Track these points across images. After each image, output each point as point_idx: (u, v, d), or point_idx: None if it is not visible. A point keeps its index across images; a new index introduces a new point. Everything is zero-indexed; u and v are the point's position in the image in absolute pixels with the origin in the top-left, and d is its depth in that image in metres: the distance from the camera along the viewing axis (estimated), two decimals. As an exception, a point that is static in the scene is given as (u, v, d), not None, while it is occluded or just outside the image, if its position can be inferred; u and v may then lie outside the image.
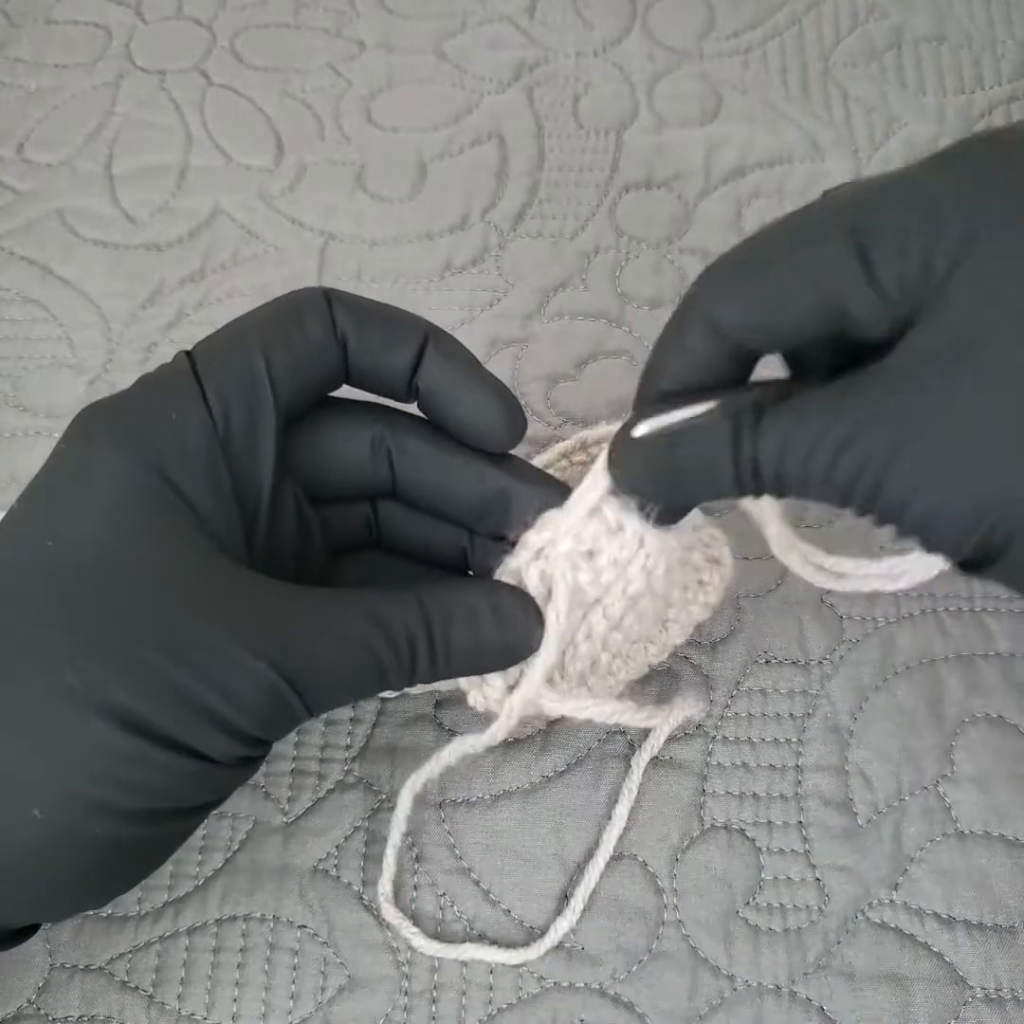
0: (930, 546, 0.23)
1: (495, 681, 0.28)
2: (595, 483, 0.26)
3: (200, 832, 0.32)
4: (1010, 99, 0.46)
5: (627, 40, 0.48)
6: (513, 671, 0.28)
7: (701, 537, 0.31)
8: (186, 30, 0.49)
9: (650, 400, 0.25)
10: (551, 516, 0.27)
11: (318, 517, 0.29)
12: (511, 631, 0.26)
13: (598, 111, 0.46)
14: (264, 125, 0.46)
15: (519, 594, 0.27)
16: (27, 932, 0.27)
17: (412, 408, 0.28)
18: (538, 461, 0.31)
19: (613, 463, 0.26)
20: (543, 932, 0.31)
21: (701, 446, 0.24)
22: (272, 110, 0.47)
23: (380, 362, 0.27)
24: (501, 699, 0.28)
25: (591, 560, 0.27)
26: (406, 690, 0.32)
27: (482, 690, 0.28)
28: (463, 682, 0.29)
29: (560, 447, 0.32)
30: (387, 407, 0.29)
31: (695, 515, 0.31)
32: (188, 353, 0.26)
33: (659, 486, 0.25)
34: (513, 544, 0.27)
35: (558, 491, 0.28)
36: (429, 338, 0.27)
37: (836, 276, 0.22)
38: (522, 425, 0.28)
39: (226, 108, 0.47)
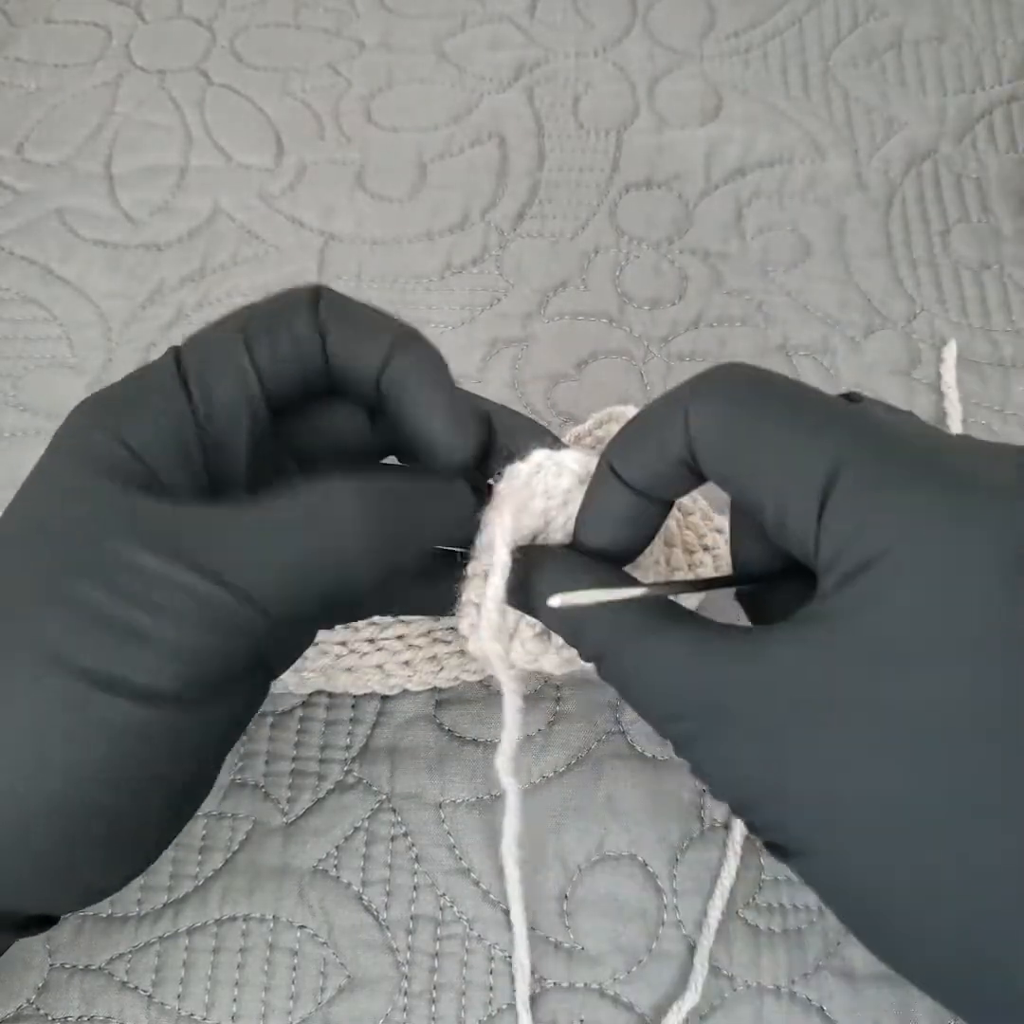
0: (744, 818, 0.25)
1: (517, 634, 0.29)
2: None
3: (200, 832, 0.32)
4: (1010, 99, 0.46)
5: (627, 40, 0.48)
6: (511, 620, 0.28)
7: (700, 504, 0.32)
8: (186, 30, 0.49)
9: (582, 559, 0.27)
10: (537, 455, 0.27)
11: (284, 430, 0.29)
12: (457, 503, 0.27)
13: (598, 111, 0.46)
14: (264, 125, 0.46)
15: (458, 477, 0.27)
16: (48, 921, 0.27)
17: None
18: None
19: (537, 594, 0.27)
20: (543, 932, 0.31)
21: (599, 639, 0.26)
22: (272, 110, 0.47)
23: (349, 362, 0.27)
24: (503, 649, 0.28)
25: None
26: (407, 689, 0.33)
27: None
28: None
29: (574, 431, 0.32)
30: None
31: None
32: (176, 348, 0.27)
33: (564, 631, 0.27)
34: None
35: (531, 432, 0.29)
36: (396, 343, 0.27)
37: (792, 493, 0.23)
38: (466, 451, 0.27)
39: (226, 108, 0.47)
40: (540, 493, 0.27)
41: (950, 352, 0.39)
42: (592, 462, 0.27)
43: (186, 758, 0.25)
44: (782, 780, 0.22)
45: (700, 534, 0.32)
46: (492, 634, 0.27)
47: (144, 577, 0.23)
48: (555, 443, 0.28)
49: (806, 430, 0.23)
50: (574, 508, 0.27)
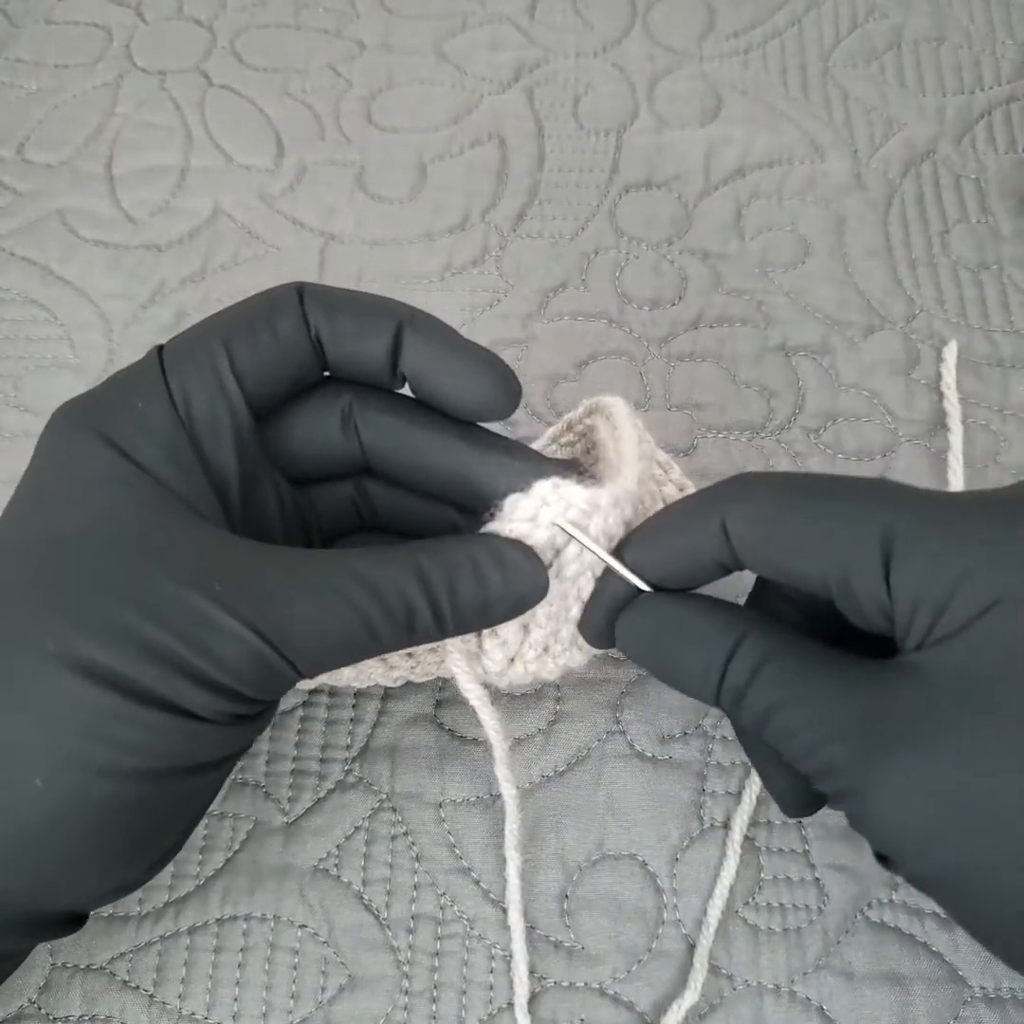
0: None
1: (496, 655, 0.29)
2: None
3: (200, 832, 0.32)
4: (1010, 99, 0.46)
5: (627, 40, 0.48)
6: (514, 643, 0.29)
7: (671, 476, 0.33)
8: (186, 30, 0.49)
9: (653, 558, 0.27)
10: (540, 487, 0.27)
11: (304, 501, 0.29)
12: (518, 580, 0.26)
13: (598, 111, 0.46)
14: (264, 125, 0.46)
15: (519, 543, 0.27)
16: (79, 920, 0.27)
17: (407, 393, 0.29)
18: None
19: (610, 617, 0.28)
20: (543, 932, 0.31)
21: (697, 654, 0.26)
22: (272, 110, 0.47)
23: (357, 351, 0.27)
24: (503, 670, 0.29)
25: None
26: (410, 680, 0.33)
27: (482, 663, 0.29)
28: (459, 657, 0.29)
29: (549, 432, 0.32)
30: (356, 384, 0.29)
31: (662, 456, 0.33)
32: (159, 348, 0.27)
33: (641, 653, 0.28)
34: (493, 512, 0.27)
35: (524, 459, 0.28)
36: (404, 322, 0.27)
37: (855, 557, 0.24)
38: (516, 389, 0.27)
39: (226, 108, 0.47)
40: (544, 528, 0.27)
41: (950, 352, 0.40)
42: (599, 496, 0.27)
43: (212, 758, 0.25)
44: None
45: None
46: (462, 660, 0.28)
47: (193, 618, 0.23)
48: (545, 469, 0.28)
49: (851, 502, 0.25)
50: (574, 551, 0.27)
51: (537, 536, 0.27)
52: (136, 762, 0.23)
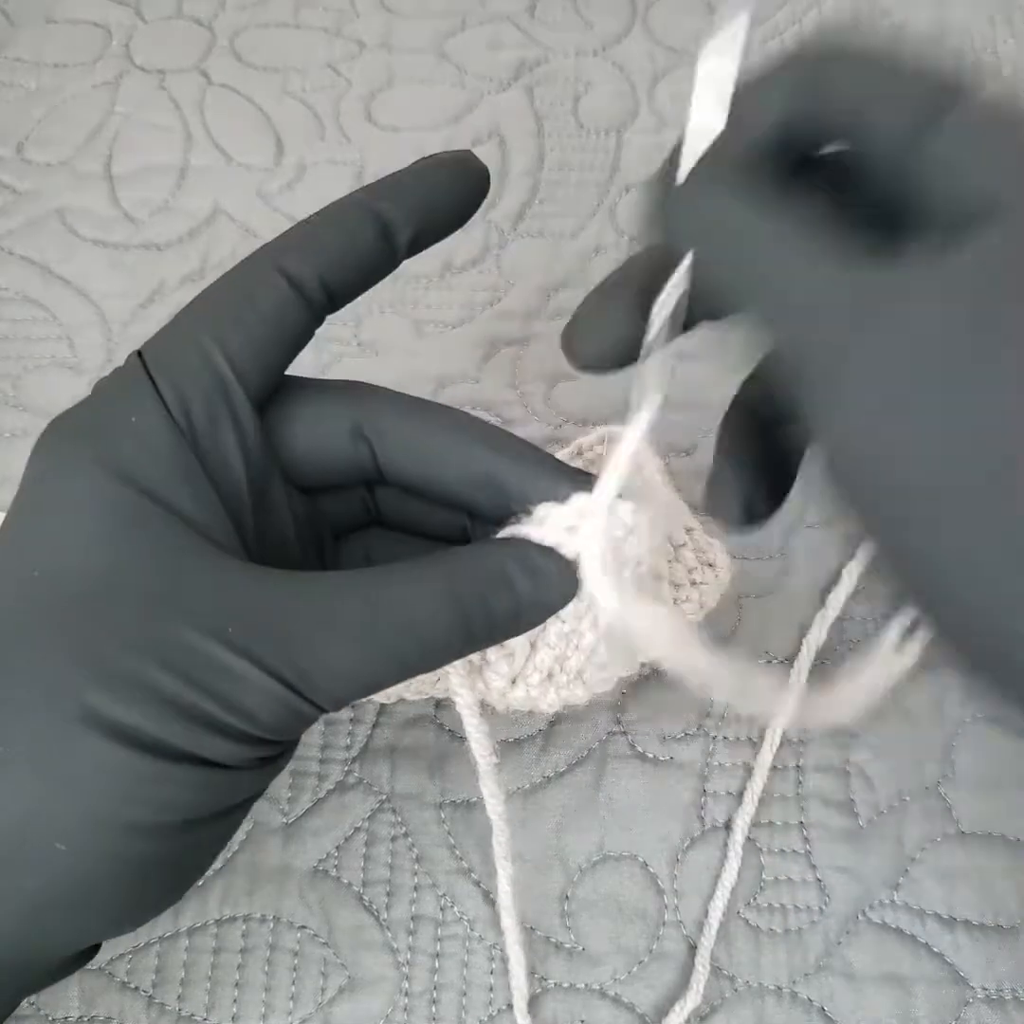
0: None
1: (501, 667, 0.28)
2: (613, 472, 0.26)
3: (200, 832, 0.32)
4: (1010, 99, 0.46)
5: (627, 40, 0.48)
6: (520, 658, 0.28)
7: (694, 537, 0.31)
8: (186, 30, 0.49)
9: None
10: (578, 499, 0.26)
11: (314, 505, 0.28)
12: (547, 587, 0.25)
13: (598, 111, 0.46)
14: (264, 125, 0.46)
15: (551, 550, 0.25)
16: (94, 949, 0.27)
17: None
18: None
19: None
20: (544, 932, 0.31)
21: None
22: (272, 110, 0.47)
23: (357, 260, 0.26)
24: (505, 689, 0.28)
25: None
26: (403, 698, 0.32)
27: (484, 676, 0.28)
28: (455, 679, 0.28)
29: (559, 455, 0.31)
30: (366, 389, 0.27)
31: (682, 510, 0.31)
32: (139, 352, 0.25)
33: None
34: (519, 517, 0.26)
35: (553, 472, 0.27)
36: (377, 209, 0.26)
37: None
38: (479, 169, 0.27)
39: (226, 108, 0.47)
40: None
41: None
42: (640, 516, 0.26)
43: (238, 801, 0.25)
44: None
45: (690, 568, 0.31)
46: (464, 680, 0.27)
47: (216, 669, 0.22)
48: (579, 482, 0.27)
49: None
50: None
51: (570, 547, 0.25)
52: (165, 818, 0.22)
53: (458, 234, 0.44)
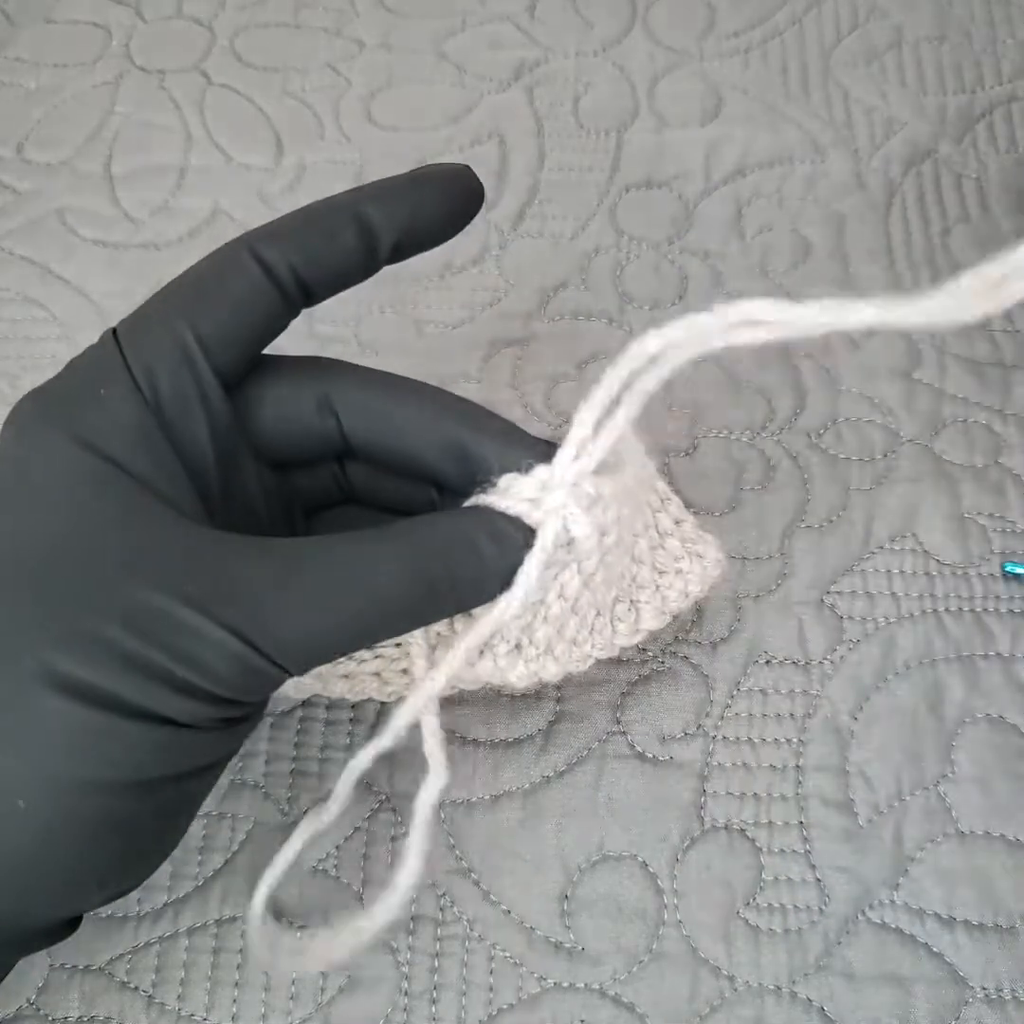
0: None
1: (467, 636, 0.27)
2: (573, 444, 0.26)
3: (200, 832, 0.32)
4: (1010, 99, 0.46)
5: (627, 40, 0.48)
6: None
7: (682, 529, 0.31)
8: (186, 30, 0.49)
9: None
10: (541, 471, 0.26)
11: (285, 481, 0.28)
12: (513, 553, 0.25)
13: (598, 111, 0.46)
14: (264, 125, 0.46)
15: (514, 518, 0.26)
16: (74, 923, 0.27)
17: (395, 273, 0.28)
18: None
19: None
20: (543, 932, 0.31)
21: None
22: (272, 110, 0.47)
23: (339, 260, 0.26)
24: (470, 661, 0.27)
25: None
26: (404, 696, 0.32)
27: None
28: (415, 648, 0.28)
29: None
30: (332, 362, 0.28)
31: (662, 486, 0.32)
32: (113, 330, 0.26)
33: None
34: (484, 488, 0.27)
35: (516, 443, 0.27)
36: (363, 206, 0.26)
37: None
38: (475, 186, 0.27)
39: (226, 108, 0.47)
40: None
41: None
42: (604, 484, 0.26)
43: (203, 763, 0.25)
44: None
45: (676, 557, 0.31)
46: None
47: (173, 625, 0.22)
48: (543, 452, 0.27)
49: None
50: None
51: (534, 518, 0.26)
52: (124, 776, 0.22)
53: (458, 234, 0.44)
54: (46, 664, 0.22)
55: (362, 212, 0.26)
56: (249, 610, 0.23)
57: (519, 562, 0.26)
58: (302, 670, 0.24)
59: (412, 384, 0.28)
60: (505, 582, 0.26)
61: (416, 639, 0.29)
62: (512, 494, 0.26)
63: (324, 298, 0.27)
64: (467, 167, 0.28)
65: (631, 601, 0.30)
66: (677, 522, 0.31)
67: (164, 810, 0.25)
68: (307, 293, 0.27)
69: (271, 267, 0.26)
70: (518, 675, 0.28)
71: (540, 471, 0.26)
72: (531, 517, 0.26)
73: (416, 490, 0.29)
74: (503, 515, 0.26)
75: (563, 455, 0.26)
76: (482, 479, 0.26)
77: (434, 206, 0.27)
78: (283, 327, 0.27)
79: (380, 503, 0.30)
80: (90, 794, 0.22)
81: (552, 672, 0.29)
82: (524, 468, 0.26)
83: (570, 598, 0.28)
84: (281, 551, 0.24)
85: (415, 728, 0.34)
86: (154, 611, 0.22)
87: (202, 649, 0.22)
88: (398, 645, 0.32)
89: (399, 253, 0.27)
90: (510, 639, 0.28)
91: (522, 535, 0.26)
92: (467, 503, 0.27)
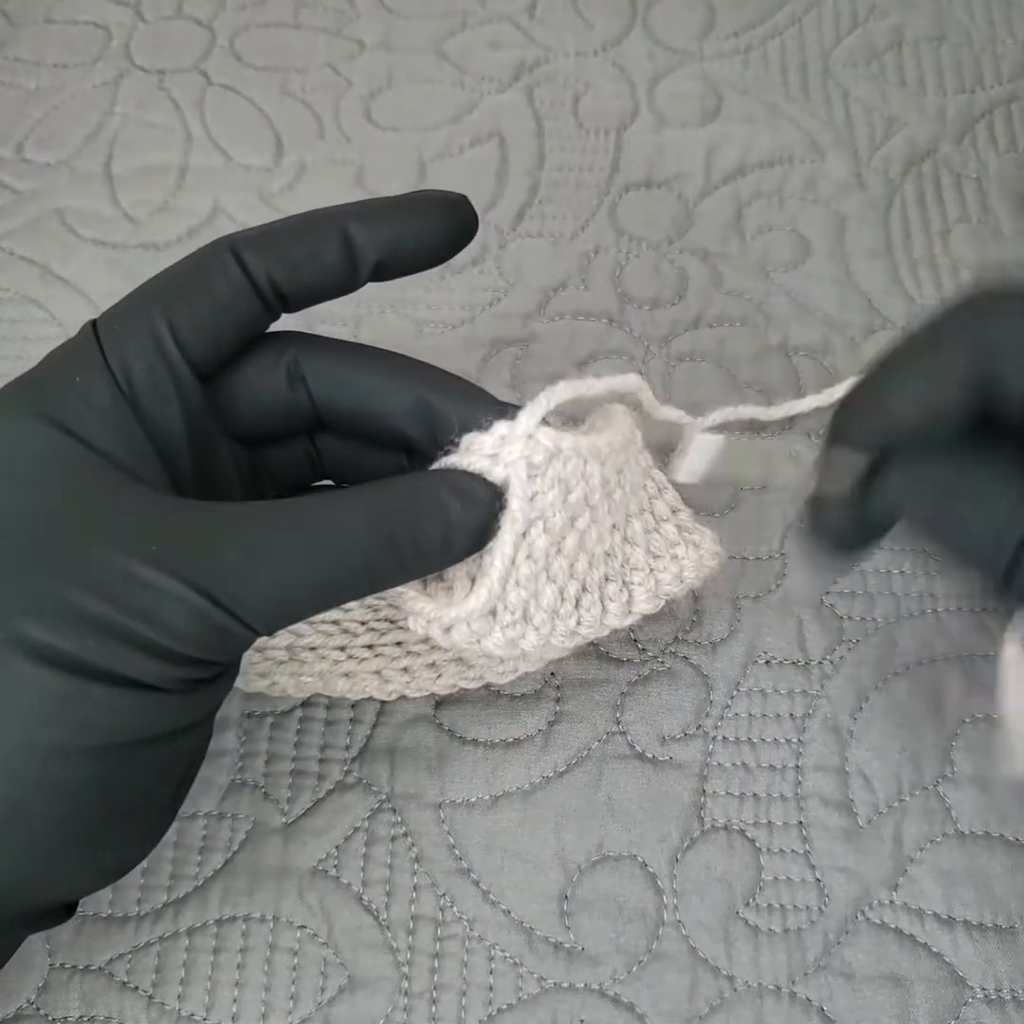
0: None
1: (480, 593, 0.27)
2: (540, 404, 0.27)
3: (199, 832, 0.32)
4: (1010, 99, 0.46)
5: (627, 40, 0.48)
6: (496, 580, 0.27)
7: (679, 517, 0.32)
8: (186, 30, 0.49)
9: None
10: (500, 427, 0.26)
11: (259, 460, 0.29)
12: (478, 509, 0.26)
13: (598, 111, 0.46)
14: (264, 125, 0.46)
15: (470, 473, 0.26)
16: (69, 909, 0.27)
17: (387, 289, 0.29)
18: None
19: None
20: (543, 932, 0.31)
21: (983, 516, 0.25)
22: (272, 110, 0.47)
23: (317, 272, 0.27)
24: (483, 632, 0.27)
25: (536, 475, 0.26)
26: (405, 695, 0.32)
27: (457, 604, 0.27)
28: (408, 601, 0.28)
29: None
30: (298, 335, 0.28)
31: (658, 475, 0.32)
32: (93, 322, 0.27)
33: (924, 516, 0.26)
34: (448, 451, 0.27)
35: (478, 402, 0.28)
36: (346, 223, 0.27)
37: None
38: (470, 215, 0.28)
39: (226, 108, 0.47)
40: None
41: None
42: (562, 439, 0.26)
43: (174, 726, 0.24)
44: None
45: (672, 543, 0.31)
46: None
47: (133, 584, 0.22)
48: (504, 411, 0.27)
49: None
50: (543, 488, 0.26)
51: (496, 474, 0.26)
52: (93, 740, 0.22)
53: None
54: (14, 632, 0.22)
55: (347, 229, 0.27)
56: (210, 566, 0.23)
57: (484, 518, 0.26)
58: (268, 629, 0.24)
59: (377, 351, 0.28)
60: (473, 539, 0.26)
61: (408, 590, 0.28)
62: (474, 451, 0.26)
63: (303, 307, 0.28)
64: (464, 197, 0.28)
65: (624, 582, 0.30)
66: (674, 511, 0.32)
67: (140, 778, 0.25)
68: (283, 300, 0.27)
69: (250, 271, 0.26)
70: (495, 642, 0.27)
71: (499, 427, 0.26)
72: (492, 473, 0.26)
73: (387, 461, 0.30)
74: (465, 472, 0.26)
75: (524, 412, 0.26)
76: (446, 442, 0.27)
77: (422, 232, 0.28)
78: (263, 327, 0.28)
79: (352, 478, 0.31)
80: (65, 759, 0.22)
81: (530, 641, 0.28)
82: (485, 425, 0.27)
83: (538, 558, 0.27)
84: (244, 512, 0.24)
85: (413, 723, 0.34)
86: (115, 571, 0.22)
87: (161, 605, 0.22)
88: (399, 644, 0.32)
89: (381, 274, 0.28)
90: (516, 608, 0.28)
91: (485, 491, 0.26)
92: (433, 467, 0.27)
